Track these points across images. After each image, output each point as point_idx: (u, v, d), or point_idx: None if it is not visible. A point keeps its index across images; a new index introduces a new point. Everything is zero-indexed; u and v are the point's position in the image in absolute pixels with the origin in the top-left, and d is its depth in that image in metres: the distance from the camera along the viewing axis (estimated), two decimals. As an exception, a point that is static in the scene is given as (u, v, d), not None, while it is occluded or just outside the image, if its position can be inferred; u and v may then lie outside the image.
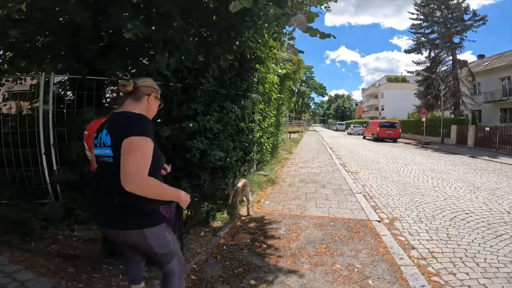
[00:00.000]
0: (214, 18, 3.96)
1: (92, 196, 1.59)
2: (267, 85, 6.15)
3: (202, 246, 3.03)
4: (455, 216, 4.20)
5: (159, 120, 4.51)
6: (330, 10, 4.69)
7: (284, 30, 4.82)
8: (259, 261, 2.65)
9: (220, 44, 4.48)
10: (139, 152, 1.31)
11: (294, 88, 57.10)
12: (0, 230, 3.03)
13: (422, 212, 4.45)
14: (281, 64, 5.89)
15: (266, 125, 6.72)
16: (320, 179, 6.71)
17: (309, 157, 10.89)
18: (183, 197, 1.50)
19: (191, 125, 4.03)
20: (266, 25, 3.43)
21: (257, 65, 5.83)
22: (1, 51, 4.22)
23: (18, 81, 4.44)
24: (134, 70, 4.17)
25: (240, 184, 4.08)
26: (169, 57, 3.64)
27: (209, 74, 4.49)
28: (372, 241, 3.12)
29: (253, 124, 5.62)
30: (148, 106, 1.55)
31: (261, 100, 5.91)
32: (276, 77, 7.14)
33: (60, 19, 3.19)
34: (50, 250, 2.86)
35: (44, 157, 3.91)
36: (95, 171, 1.59)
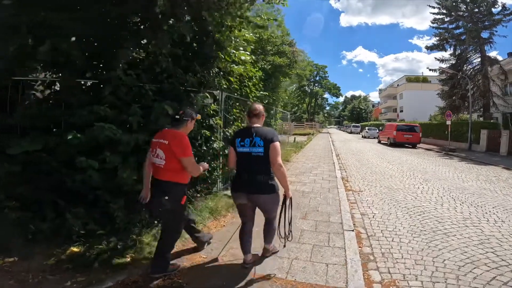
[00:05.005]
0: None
1: (240, 177, 2.58)
2: (232, 79, 4.62)
3: None
4: (495, 277, 2.52)
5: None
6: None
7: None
8: None
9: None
10: (279, 150, 2.48)
11: (306, 89, 55.39)
12: None
13: (441, 269, 2.82)
14: (241, 48, 4.33)
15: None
16: (306, 203, 5.11)
17: (306, 168, 9.22)
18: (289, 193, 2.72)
19: (69, 137, 2.60)
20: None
21: (218, 52, 4.35)
22: None
23: None
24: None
25: None
26: (35, 45, 2.34)
27: (118, 64, 3.06)
28: None
29: (206, 131, 4.12)
30: (263, 120, 2.73)
31: (216, 97, 4.40)
32: (255, 70, 5.62)
33: None
34: None
35: None
36: (238, 162, 2.60)
